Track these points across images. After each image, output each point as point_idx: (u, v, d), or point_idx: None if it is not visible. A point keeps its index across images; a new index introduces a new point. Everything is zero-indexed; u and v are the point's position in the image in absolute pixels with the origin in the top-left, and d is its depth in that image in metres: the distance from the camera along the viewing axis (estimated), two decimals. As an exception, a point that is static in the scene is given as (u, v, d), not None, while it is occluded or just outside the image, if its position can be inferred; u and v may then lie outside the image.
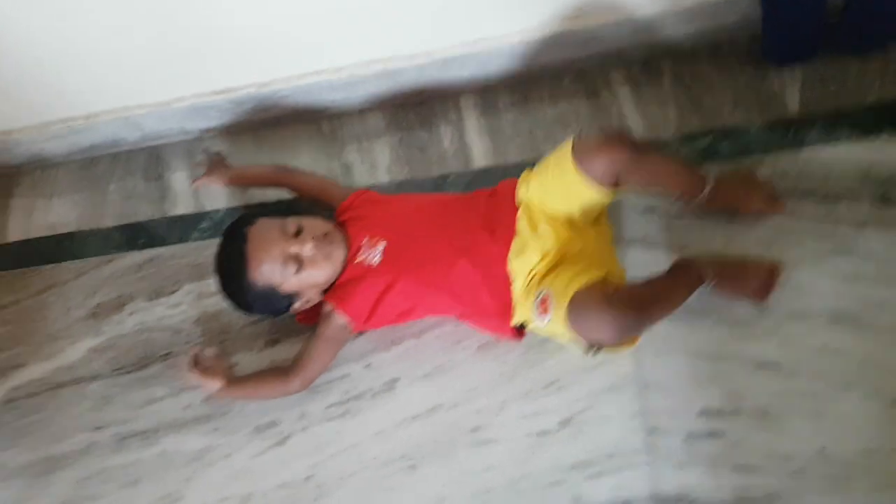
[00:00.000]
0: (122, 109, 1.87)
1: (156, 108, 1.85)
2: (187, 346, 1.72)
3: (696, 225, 1.53)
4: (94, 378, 1.74)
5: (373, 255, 1.51)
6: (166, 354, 1.74)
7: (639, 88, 1.73)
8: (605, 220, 1.52)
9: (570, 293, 1.29)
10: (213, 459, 1.60)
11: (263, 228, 1.50)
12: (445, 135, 1.80)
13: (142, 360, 1.74)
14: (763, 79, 1.65)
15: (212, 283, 1.74)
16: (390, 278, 1.49)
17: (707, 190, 1.42)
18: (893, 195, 1.46)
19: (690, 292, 1.37)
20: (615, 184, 1.38)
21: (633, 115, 1.70)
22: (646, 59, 1.73)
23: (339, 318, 1.52)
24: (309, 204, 1.72)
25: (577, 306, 1.28)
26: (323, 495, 1.52)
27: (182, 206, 1.91)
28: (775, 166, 1.55)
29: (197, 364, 1.58)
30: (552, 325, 1.33)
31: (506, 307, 1.44)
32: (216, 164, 1.82)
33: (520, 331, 1.49)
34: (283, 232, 1.49)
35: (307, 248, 1.47)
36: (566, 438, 1.44)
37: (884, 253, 1.41)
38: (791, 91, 1.62)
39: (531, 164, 1.55)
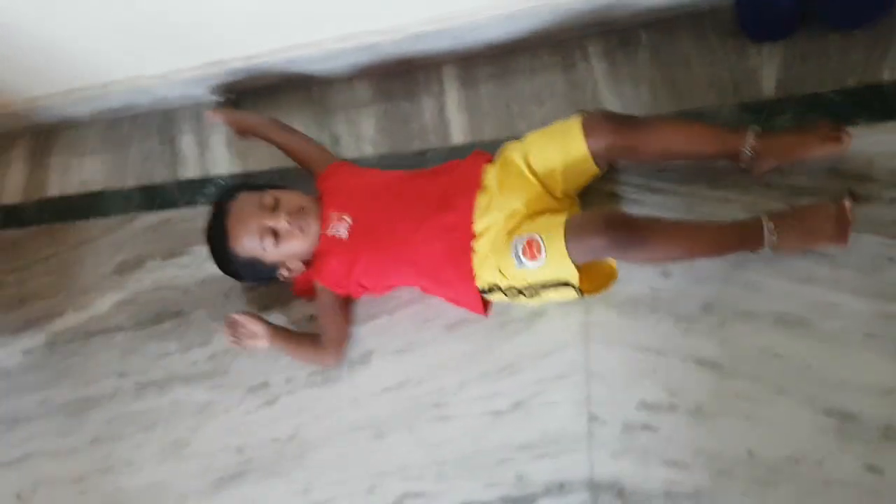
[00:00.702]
0: (132, 79, 1.85)
1: (159, 78, 1.83)
2: (195, 307, 1.76)
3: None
4: (118, 329, 1.82)
5: (341, 229, 1.49)
6: (177, 312, 1.79)
7: (615, 64, 1.58)
8: (574, 202, 1.45)
9: (561, 222, 1.25)
10: (214, 412, 1.67)
11: (242, 203, 1.51)
12: (427, 107, 1.72)
13: (158, 316, 1.80)
14: (741, 55, 1.48)
15: (214, 248, 1.78)
16: (355, 252, 1.48)
17: (749, 145, 1.27)
18: (859, 193, 1.32)
19: (741, 243, 1.26)
20: (615, 159, 1.35)
21: (607, 92, 1.57)
22: (624, 30, 1.57)
23: (326, 291, 1.53)
24: (295, 170, 1.70)
25: (575, 228, 1.24)
26: (305, 453, 1.57)
27: (191, 169, 1.91)
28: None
29: (235, 329, 1.55)
30: (547, 265, 1.28)
31: (468, 274, 1.39)
32: (225, 108, 1.82)
33: (485, 302, 1.44)
34: (260, 206, 1.48)
35: (282, 222, 1.47)
36: (516, 420, 1.42)
37: (840, 256, 1.29)
38: (769, 69, 1.45)
39: (506, 141, 1.48)
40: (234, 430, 1.63)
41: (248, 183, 1.64)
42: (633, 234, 1.22)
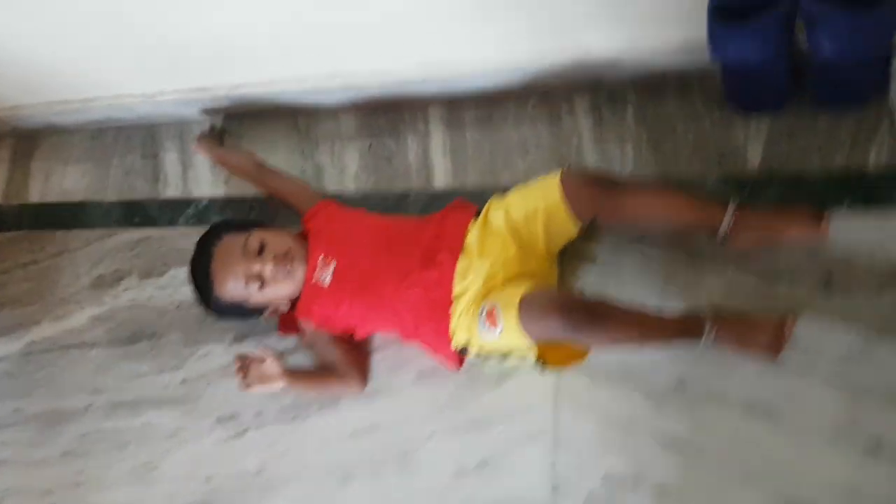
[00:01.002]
0: (114, 97, 1.76)
1: (143, 98, 1.74)
2: (170, 328, 1.70)
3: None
4: (94, 345, 1.76)
5: (325, 275, 1.43)
6: (152, 334, 1.73)
7: (601, 121, 1.51)
8: (554, 261, 1.39)
9: (519, 295, 1.21)
10: (184, 439, 1.62)
11: (227, 247, 1.43)
12: (412, 147, 1.64)
13: (133, 336, 1.73)
14: (728, 126, 1.41)
15: (193, 271, 1.71)
16: (337, 299, 1.41)
17: (727, 220, 1.23)
18: (836, 282, 1.26)
19: (682, 336, 1.23)
20: (595, 219, 1.29)
21: (590, 149, 1.49)
22: (612, 88, 1.49)
23: (313, 331, 1.48)
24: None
25: (528, 305, 1.19)
26: (270, 489, 1.52)
27: (172, 188, 1.83)
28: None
29: (249, 373, 1.44)
30: (504, 335, 1.24)
31: (444, 331, 1.34)
32: (210, 138, 1.73)
33: (460, 356, 1.39)
34: (245, 250, 1.41)
35: (268, 269, 1.40)
36: (481, 480, 1.38)
37: (814, 345, 1.24)
38: (754, 143, 1.37)
39: (488, 190, 1.43)
40: (203, 459, 1.58)
41: (232, 222, 1.56)
42: (587, 318, 1.16)
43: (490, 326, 1.24)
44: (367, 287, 1.39)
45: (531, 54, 1.39)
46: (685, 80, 1.43)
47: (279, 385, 1.46)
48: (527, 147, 1.53)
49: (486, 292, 1.29)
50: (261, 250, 1.41)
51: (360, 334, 1.47)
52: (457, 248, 1.33)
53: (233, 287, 1.41)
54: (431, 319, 1.34)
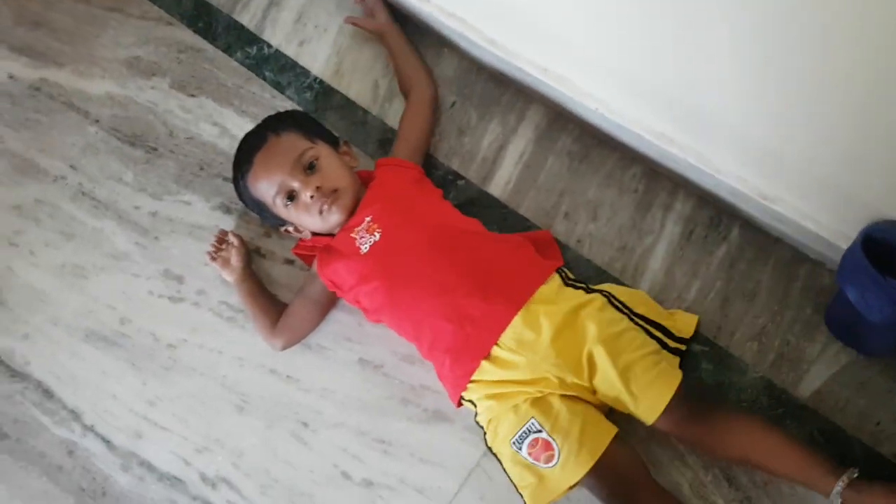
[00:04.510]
0: None
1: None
2: (171, 155, 1.53)
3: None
4: (95, 122, 1.59)
5: (364, 241, 1.21)
6: (153, 149, 1.56)
7: (688, 239, 1.25)
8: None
9: (597, 451, 1.05)
10: (124, 268, 1.49)
11: (284, 145, 1.22)
12: (491, 134, 1.39)
13: (134, 138, 1.57)
14: (808, 333, 1.16)
15: (222, 114, 1.52)
16: (366, 275, 1.20)
17: (839, 489, 0.99)
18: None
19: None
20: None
21: (658, 259, 1.26)
22: (720, 213, 1.24)
23: (318, 280, 1.26)
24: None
25: (599, 474, 1.05)
26: (170, 370, 1.41)
27: (248, 16, 1.60)
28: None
29: (219, 246, 1.35)
30: (554, 471, 1.06)
31: (462, 376, 1.14)
32: (375, 10, 1.42)
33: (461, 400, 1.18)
34: (297, 160, 1.20)
35: (306, 193, 1.20)
36: (358, 498, 1.26)
37: None
38: (820, 369, 1.14)
39: (532, 227, 1.26)
40: (130, 300, 1.47)
41: (306, 119, 1.32)
42: None
43: (534, 457, 1.07)
44: (401, 281, 1.16)
45: (664, 129, 1.12)
46: (797, 259, 1.17)
47: (230, 278, 1.34)
48: (598, 212, 1.29)
49: (534, 395, 1.09)
50: (310, 170, 1.20)
51: (370, 316, 1.25)
52: (519, 300, 1.11)
53: (265, 188, 1.23)
54: (451, 354, 1.13)
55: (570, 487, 1.06)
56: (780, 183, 1.03)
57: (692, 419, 1.04)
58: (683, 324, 1.15)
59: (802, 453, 1.03)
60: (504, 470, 1.11)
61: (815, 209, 1.02)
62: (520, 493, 1.09)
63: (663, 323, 1.13)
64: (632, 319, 1.11)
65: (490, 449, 1.13)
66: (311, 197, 1.18)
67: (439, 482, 1.22)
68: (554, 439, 1.05)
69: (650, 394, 1.04)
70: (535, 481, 1.07)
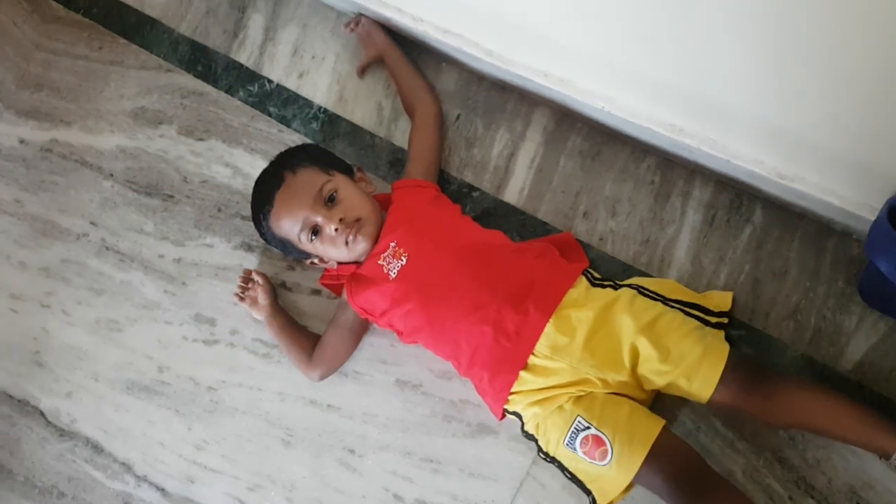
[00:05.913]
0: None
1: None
2: (188, 200, 1.53)
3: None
4: (110, 176, 1.60)
5: (392, 266, 1.20)
6: (169, 196, 1.56)
7: (711, 224, 1.24)
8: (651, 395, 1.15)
9: (650, 438, 1.04)
10: (157, 317, 1.50)
11: (302, 181, 1.21)
12: (500, 142, 1.38)
13: (148, 187, 1.57)
14: (843, 306, 1.15)
15: (233, 154, 1.52)
16: (398, 300, 1.19)
17: None
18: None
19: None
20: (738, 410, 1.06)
21: (683, 248, 1.24)
22: (740, 195, 1.22)
23: (350, 308, 1.26)
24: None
25: (656, 464, 1.03)
26: (213, 412, 1.42)
27: (246, 54, 1.59)
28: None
29: (246, 283, 1.37)
30: (607, 468, 1.05)
31: (502, 388, 1.13)
32: (371, 33, 1.40)
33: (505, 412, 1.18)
34: (318, 194, 1.19)
35: (329, 227, 1.19)
36: (410, 517, 1.25)
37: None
38: (860, 341, 1.12)
39: (552, 231, 1.25)
40: (165, 347, 1.47)
41: (319, 152, 1.30)
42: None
43: (585, 453, 1.06)
44: (433, 302, 1.16)
45: (674, 120, 1.10)
46: (823, 233, 1.15)
47: (260, 317, 1.34)
48: (617, 208, 1.27)
49: (575, 396, 1.09)
50: (332, 202, 1.19)
51: (406, 339, 1.25)
52: (549, 308, 1.10)
53: (288, 226, 1.22)
54: (488, 369, 1.13)
55: (631, 483, 1.05)
56: (797, 161, 1.01)
57: (749, 388, 1.02)
58: (720, 299, 1.13)
59: (863, 413, 1.01)
60: (568, 473, 1.10)
61: (836, 184, 1.00)
62: (588, 491, 1.08)
63: (699, 303, 1.11)
64: (666, 304, 1.09)
65: (548, 456, 1.12)
66: (336, 230, 1.17)
67: (492, 495, 1.21)
68: (604, 433, 1.04)
69: (703, 369, 1.02)
70: (598, 478, 1.06)
